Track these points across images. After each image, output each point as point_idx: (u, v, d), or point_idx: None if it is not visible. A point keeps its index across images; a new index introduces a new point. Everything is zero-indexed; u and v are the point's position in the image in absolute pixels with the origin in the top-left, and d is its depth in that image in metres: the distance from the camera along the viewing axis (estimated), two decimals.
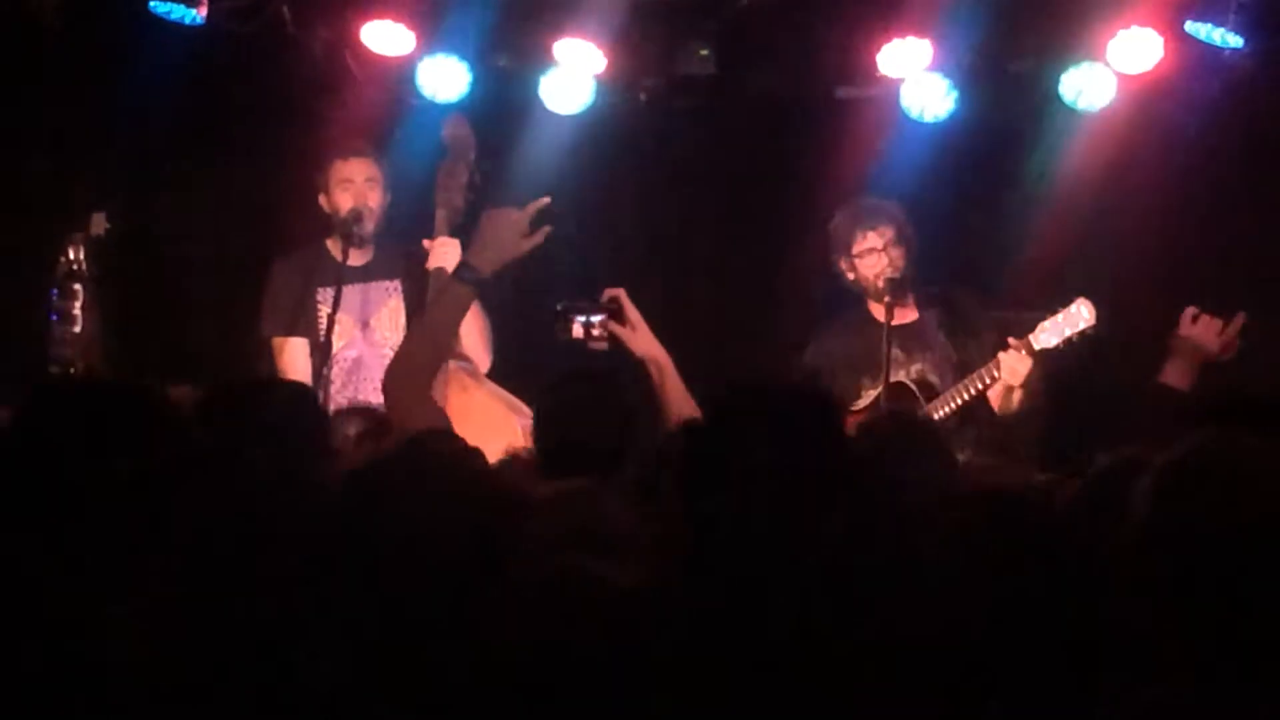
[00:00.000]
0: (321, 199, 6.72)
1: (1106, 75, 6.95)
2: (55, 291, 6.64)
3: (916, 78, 7.08)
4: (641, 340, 5.07)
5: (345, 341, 6.61)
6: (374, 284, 6.71)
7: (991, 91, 7.15)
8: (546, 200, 4.94)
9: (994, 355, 6.30)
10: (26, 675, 2.58)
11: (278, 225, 7.39)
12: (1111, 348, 6.57)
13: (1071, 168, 7.22)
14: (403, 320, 6.67)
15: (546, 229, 4.91)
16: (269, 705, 2.67)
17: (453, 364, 6.01)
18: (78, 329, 6.62)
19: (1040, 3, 7.03)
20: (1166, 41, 6.79)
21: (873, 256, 6.52)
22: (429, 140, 6.80)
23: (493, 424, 5.69)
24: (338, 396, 6.38)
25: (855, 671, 2.61)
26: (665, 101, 7.44)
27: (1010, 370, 6.21)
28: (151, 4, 6.88)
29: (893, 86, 7.13)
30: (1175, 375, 5.37)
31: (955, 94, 7.08)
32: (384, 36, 7.12)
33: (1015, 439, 6.22)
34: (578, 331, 5.06)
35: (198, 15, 6.87)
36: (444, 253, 6.37)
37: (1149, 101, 7.02)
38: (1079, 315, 6.19)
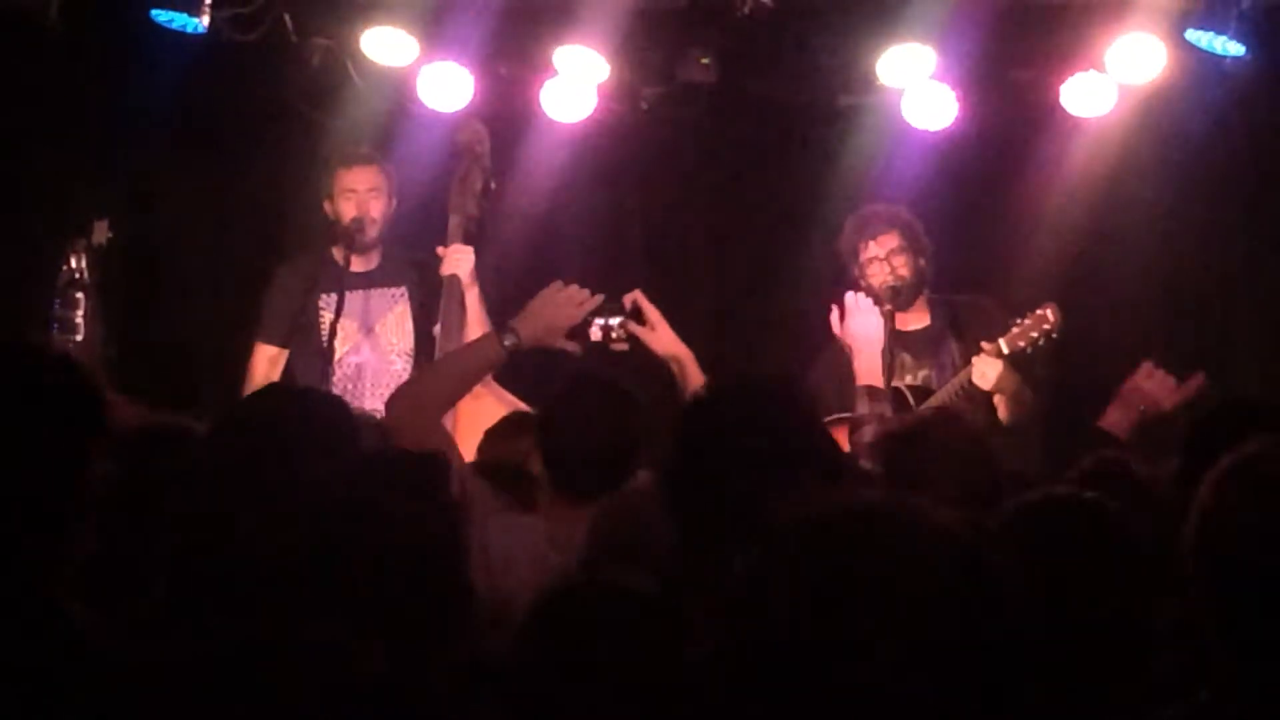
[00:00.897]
0: (326, 205, 6.73)
1: (1107, 84, 6.96)
2: (57, 300, 6.64)
3: (918, 86, 7.08)
4: (663, 339, 5.09)
5: (348, 347, 6.62)
6: (377, 290, 6.72)
7: (992, 100, 7.16)
8: (601, 297, 4.98)
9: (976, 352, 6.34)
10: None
11: (279, 233, 7.40)
12: (1112, 353, 6.58)
13: (1072, 176, 7.22)
14: (409, 326, 6.68)
15: (596, 300, 4.95)
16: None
17: None
18: (79, 338, 6.62)
19: (1041, 11, 7.03)
20: (1167, 50, 6.80)
21: (875, 265, 6.53)
22: (438, 146, 6.82)
23: None
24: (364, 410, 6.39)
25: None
26: (667, 110, 7.44)
27: (980, 374, 6.23)
28: (153, 12, 6.88)
29: (894, 95, 7.13)
30: (1115, 421, 5.29)
31: (956, 102, 7.09)
32: (385, 44, 7.12)
33: (1018, 445, 6.21)
34: (596, 334, 5.04)
35: (199, 23, 6.86)
36: (457, 260, 6.38)
37: (1150, 110, 7.03)
38: (1044, 318, 6.23)
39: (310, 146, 7.12)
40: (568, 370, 4.98)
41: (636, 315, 5.09)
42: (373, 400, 6.41)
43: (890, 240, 6.54)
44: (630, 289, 5.34)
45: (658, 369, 5.16)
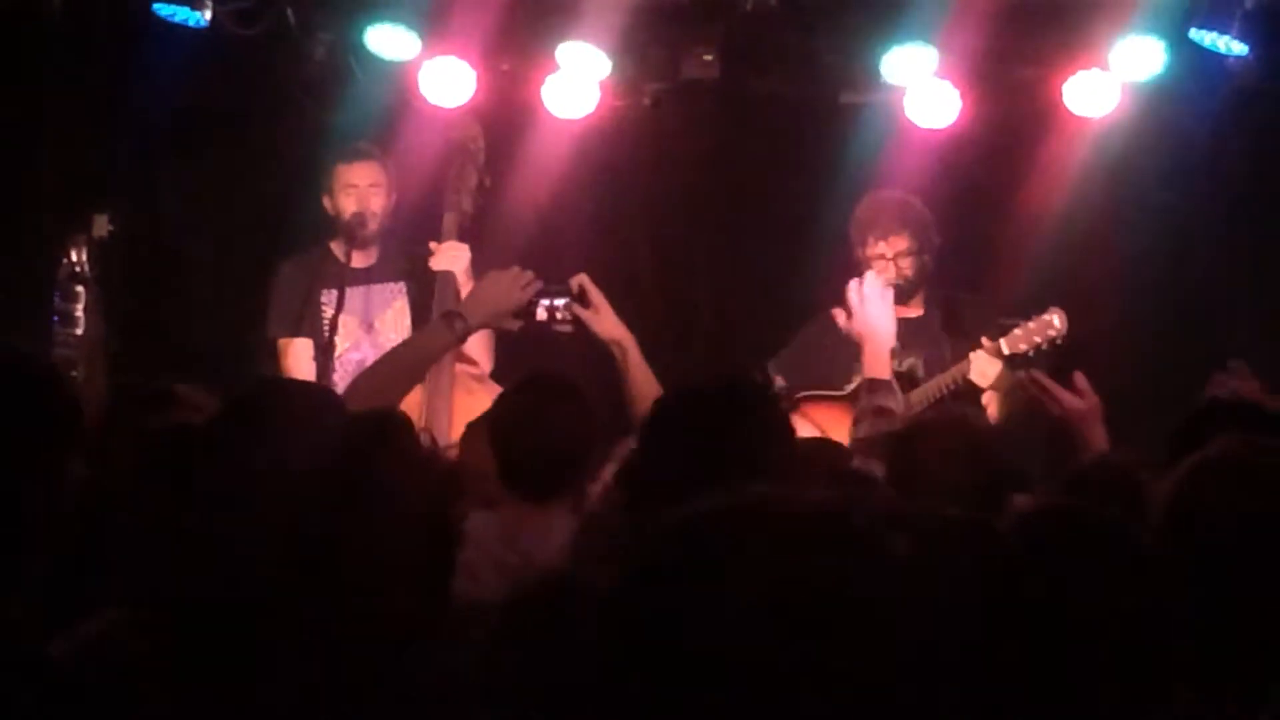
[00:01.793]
0: (325, 201, 6.74)
1: (1110, 82, 6.95)
2: (58, 293, 6.65)
3: (920, 84, 7.08)
4: (605, 322, 5.10)
5: (350, 343, 6.63)
6: (377, 286, 6.73)
7: (995, 98, 7.15)
8: (542, 282, 5.07)
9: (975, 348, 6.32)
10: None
11: (280, 227, 7.40)
12: (1110, 354, 6.58)
13: (1074, 175, 7.22)
14: (408, 321, 6.69)
15: (538, 283, 5.05)
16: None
17: (458, 367, 6.03)
18: (80, 331, 6.63)
19: (1044, 10, 7.02)
20: (1170, 49, 6.79)
21: (881, 263, 6.52)
22: (436, 143, 6.81)
23: None
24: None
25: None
26: (669, 106, 7.44)
27: (979, 372, 6.22)
28: (155, 6, 6.88)
29: (897, 93, 7.13)
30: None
31: (959, 100, 7.08)
32: (388, 40, 7.12)
33: (1020, 446, 6.20)
34: (541, 315, 5.10)
35: (202, 17, 6.86)
36: (452, 256, 6.39)
37: (1153, 109, 7.02)
38: (1049, 324, 6.19)
39: (312, 141, 7.12)
40: (568, 364, 4.99)
41: (582, 298, 5.11)
42: None
43: (900, 243, 6.53)
44: (633, 285, 5.35)
45: (600, 352, 5.18)
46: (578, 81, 7.19)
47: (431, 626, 2.77)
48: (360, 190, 6.64)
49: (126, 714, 2.59)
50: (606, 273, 5.45)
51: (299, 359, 6.57)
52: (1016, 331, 6.19)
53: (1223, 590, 2.47)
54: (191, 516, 2.90)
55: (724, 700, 1.63)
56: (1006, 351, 6.17)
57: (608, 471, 4.23)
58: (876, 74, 7.05)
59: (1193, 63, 6.81)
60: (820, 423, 6.30)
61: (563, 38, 7.05)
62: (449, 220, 6.50)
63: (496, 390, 5.96)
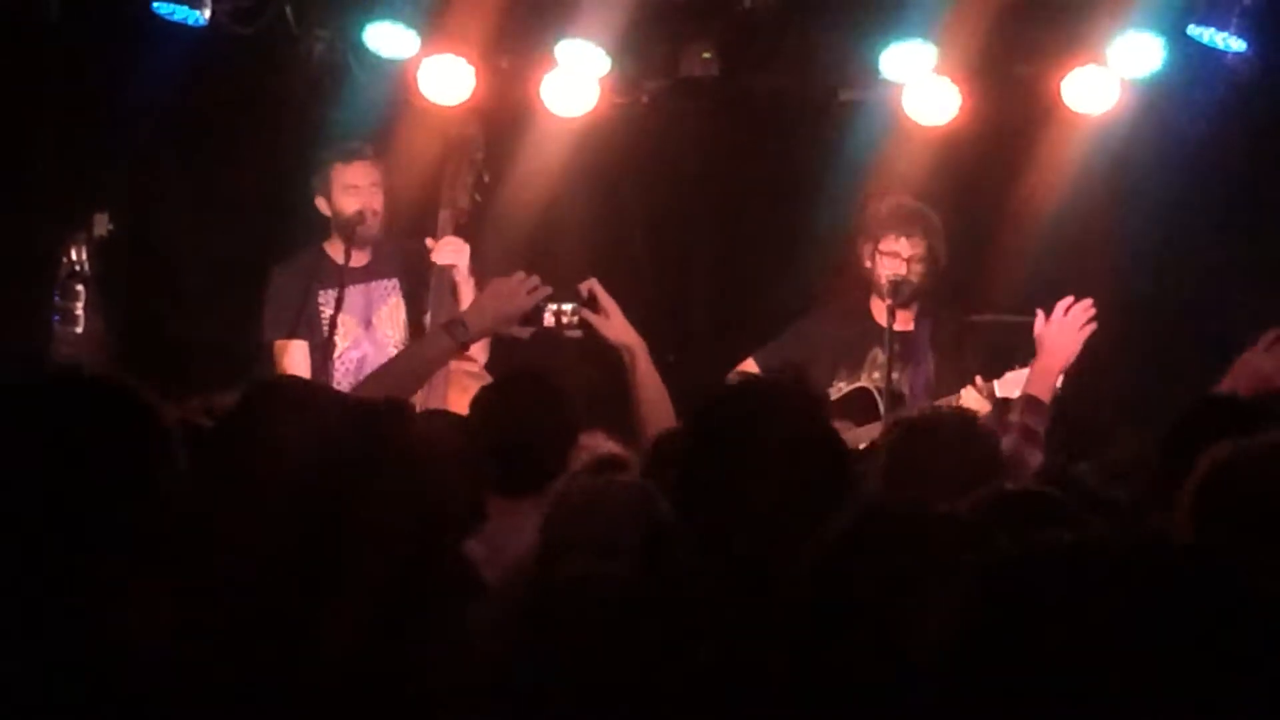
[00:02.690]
0: (320, 202, 6.73)
1: (1109, 79, 6.95)
2: (57, 292, 6.65)
3: (919, 81, 7.08)
4: (615, 326, 5.11)
5: (349, 342, 6.63)
6: (375, 283, 6.74)
7: (994, 95, 7.15)
8: (548, 290, 5.05)
9: (970, 380, 6.32)
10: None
11: (279, 226, 7.40)
12: (1107, 350, 6.58)
13: (1073, 171, 7.22)
14: (403, 317, 6.70)
15: (545, 290, 5.03)
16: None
17: (454, 364, 6.04)
18: (80, 329, 6.63)
19: (1042, 6, 7.02)
20: (1169, 45, 6.79)
21: (895, 260, 6.51)
22: (435, 140, 6.82)
23: None
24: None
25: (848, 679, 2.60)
26: (668, 104, 7.44)
27: (968, 408, 6.22)
28: (154, 5, 6.88)
29: (895, 89, 7.13)
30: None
31: (957, 98, 7.08)
32: (387, 38, 7.12)
33: None
34: (549, 320, 5.10)
35: (201, 16, 6.86)
36: (453, 250, 6.41)
37: (1151, 105, 7.02)
38: None
39: (311, 139, 7.12)
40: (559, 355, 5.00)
41: (591, 303, 5.11)
42: None
43: (919, 246, 6.54)
44: (632, 283, 5.37)
45: (609, 356, 5.18)
46: (577, 79, 7.19)
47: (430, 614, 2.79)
48: (363, 190, 6.64)
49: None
50: (604, 270, 5.45)
51: (294, 361, 6.57)
52: (1010, 376, 6.15)
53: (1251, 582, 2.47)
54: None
55: None
56: (999, 395, 6.15)
57: (578, 463, 4.26)
58: (875, 71, 7.05)
59: (1191, 59, 6.81)
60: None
61: (561, 35, 7.05)
62: (445, 217, 6.52)
63: None
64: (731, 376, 5.96)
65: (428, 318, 6.45)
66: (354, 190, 6.63)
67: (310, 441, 3.03)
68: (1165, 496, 2.89)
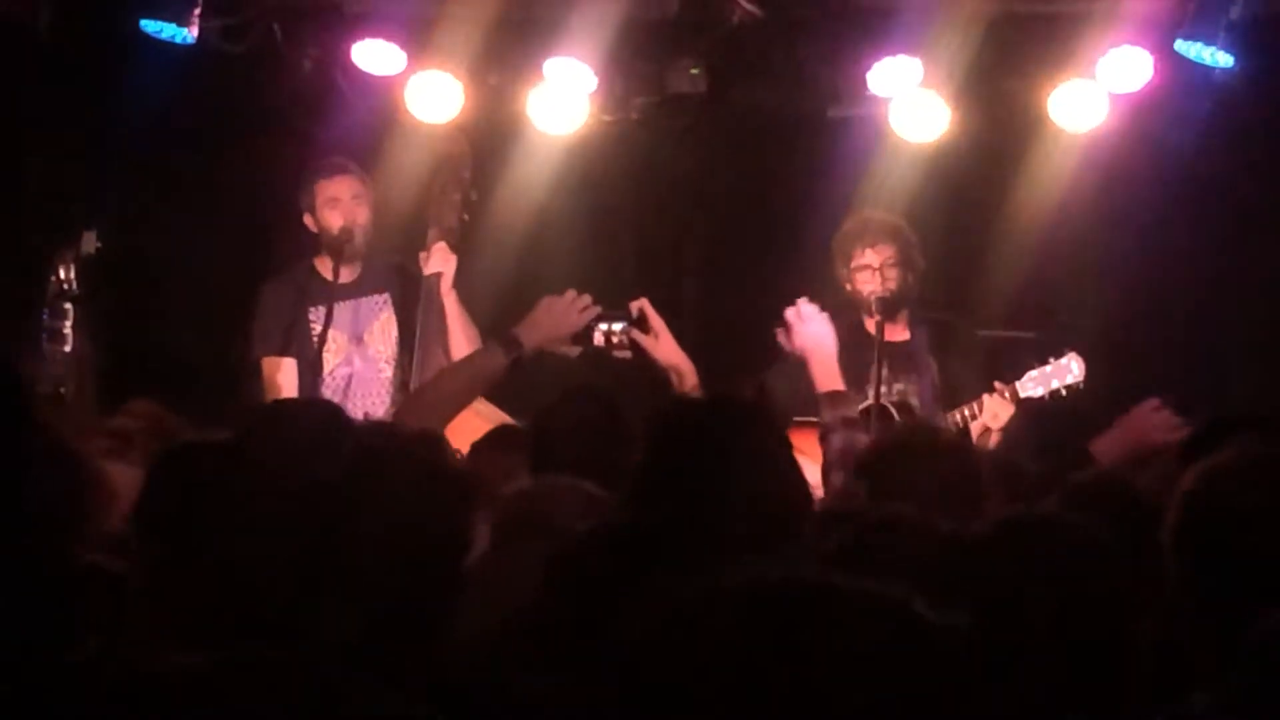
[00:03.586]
0: (307, 219, 6.72)
1: (1097, 94, 6.96)
2: (46, 310, 6.64)
3: (907, 96, 7.08)
4: (665, 348, 5.13)
5: (339, 359, 6.62)
6: (364, 299, 6.73)
7: (982, 110, 7.16)
8: (598, 309, 5.09)
9: (978, 385, 6.32)
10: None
11: (268, 244, 7.40)
12: (1101, 365, 6.58)
13: (1062, 186, 7.23)
14: (395, 333, 6.69)
15: (595, 309, 5.05)
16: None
17: None
18: (68, 348, 6.62)
19: (1030, 21, 7.04)
20: (1156, 60, 6.81)
21: (868, 273, 6.53)
22: (423, 158, 6.82)
23: None
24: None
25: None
26: (656, 120, 7.44)
27: (992, 414, 6.23)
28: (143, 23, 6.87)
29: (883, 105, 7.14)
30: (1105, 449, 5.19)
31: (945, 113, 7.09)
32: (374, 55, 7.13)
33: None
34: (599, 340, 5.10)
35: (189, 34, 6.86)
36: (439, 259, 6.41)
37: (1139, 120, 7.03)
38: (1068, 369, 6.17)
39: (300, 157, 7.11)
40: (551, 381, 4.98)
41: (641, 323, 5.12)
42: (362, 410, 6.42)
43: (886, 251, 6.54)
44: (621, 298, 5.36)
45: (657, 377, 5.19)
46: (565, 96, 7.19)
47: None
48: (344, 203, 6.63)
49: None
50: (592, 287, 5.45)
51: (284, 378, 6.56)
52: (1033, 375, 6.17)
53: (1238, 587, 2.48)
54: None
55: None
56: (1022, 395, 6.16)
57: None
58: (863, 87, 7.05)
59: (1179, 74, 6.82)
60: (801, 448, 6.29)
61: (550, 53, 7.05)
62: (433, 235, 6.52)
63: (487, 406, 5.99)
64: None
65: (418, 332, 6.45)
66: (336, 203, 6.62)
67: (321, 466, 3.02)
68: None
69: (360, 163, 6.81)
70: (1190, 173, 7.20)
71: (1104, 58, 6.86)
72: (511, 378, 5.20)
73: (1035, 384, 6.15)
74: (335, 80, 7.21)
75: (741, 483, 3.09)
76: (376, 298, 6.73)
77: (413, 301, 6.51)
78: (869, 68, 6.99)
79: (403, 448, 3.03)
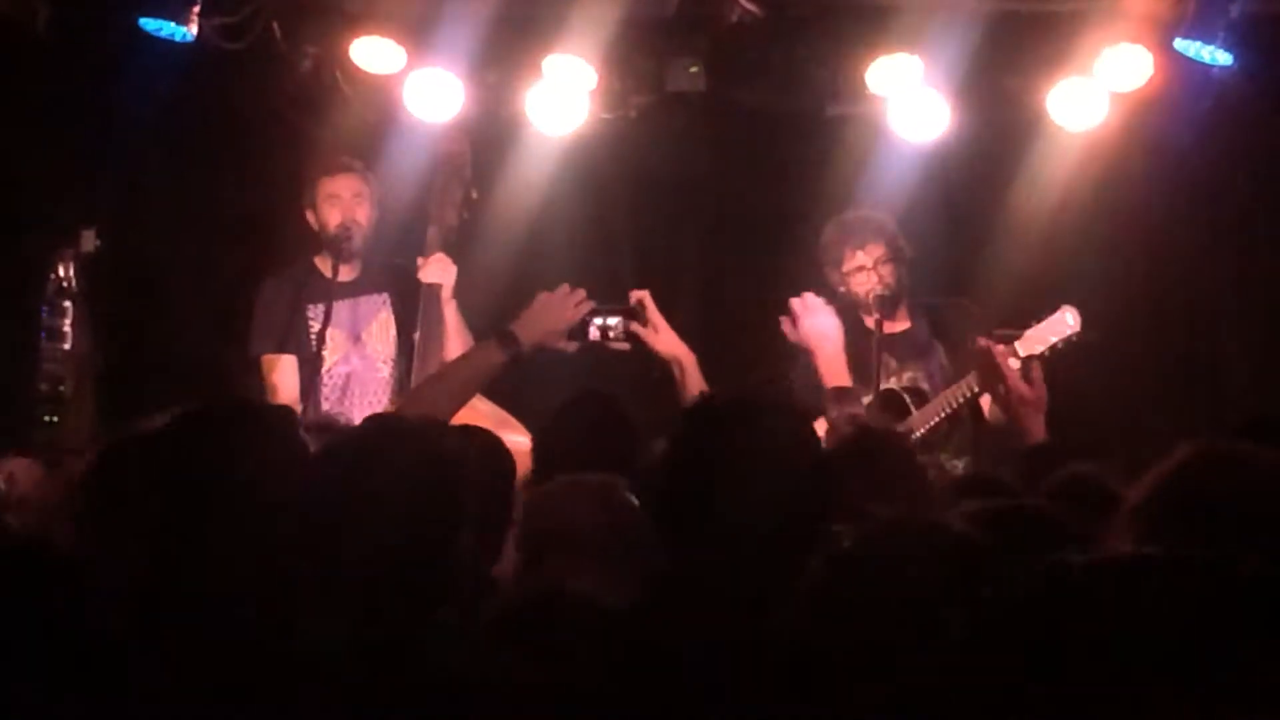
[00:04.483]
0: (309, 215, 6.72)
1: (1097, 92, 6.97)
2: (45, 308, 6.65)
3: (906, 95, 7.08)
4: (664, 340, 5.13)
5: (337, 357, 6.61)
6: (363, 298, 6.72)
7: (981, 108, 7.16)
8: (593, 304, 5.07)
9: None
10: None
11: (267, 241, 7.39)
12: (1101, 363, 6.58)
13: (1061, 185, 7.23)
14: (393, 333, 6.68)
15: (590, 304, 5.03)
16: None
17: None
18: (67, 346, 6.63)
19: (1029, 20, 7.04)
20: (1156, 59, 6.81)
21: (862, 274, 6.53)
22: (422, 156, 6.81)
23: None
24: (330, 412, 6.40)
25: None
26: (655, 118, 7.44)
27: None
28: (142, 20, 6.87)
29: (882, 104, 7.14)
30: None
31: (945, 111, 7.09)
32: (374, 53, 7.12)
33: (1005, 445, 6.19)
34: (595, 334, 5.08)
35: (188, 32, 6.85)
36: (438, 269, 6.40)
37: (1139, 118, 7.03)
38: (1063, 322, 6.15)
39: (298, 155, 7.11)
40: (555, 377, 4.99)
41: (639, 315, 5.11)
42: (360, 409, 6.42)
43: (877, 250, 6.54)
44: (619, 296, 5.35)
45: (656, 369, 5.19)
46: (564, 94, 7.19)
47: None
48: (344, 201, 6.62)
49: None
50: (591, 284, 5.45)
51: (283, 375, 6.56)
52: (1030, 334, 6.14)
53: (1215, 576, 2.47)
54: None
55: None
56: (1023, 354, 6.11)
57: None
58: (863, 85, 7.06)
59: (1178, 73, 6.82)
60: None
61: (549, 51, 7.05)
62: (433, 234, 6.51)
63: (488, 405, 6.00)
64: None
65: (418, 334, 6.45)
66: (335, 200, 6.61)
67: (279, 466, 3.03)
68: None
69: (359, 161, 6.80)
70: (1190, 171, 7.20)
71: (1103, 56, 6.86)
72: (510, 374, 5.21)
73: (1034, 341, 6.07)
74: (334, 78, 7.20)
75: (773, 479, 3.07)
76: (375, 297, 6.72)
77: (411, 303, 6.50)
78: (868, 66, 6.99)
79: (378, 442, 3.05)
